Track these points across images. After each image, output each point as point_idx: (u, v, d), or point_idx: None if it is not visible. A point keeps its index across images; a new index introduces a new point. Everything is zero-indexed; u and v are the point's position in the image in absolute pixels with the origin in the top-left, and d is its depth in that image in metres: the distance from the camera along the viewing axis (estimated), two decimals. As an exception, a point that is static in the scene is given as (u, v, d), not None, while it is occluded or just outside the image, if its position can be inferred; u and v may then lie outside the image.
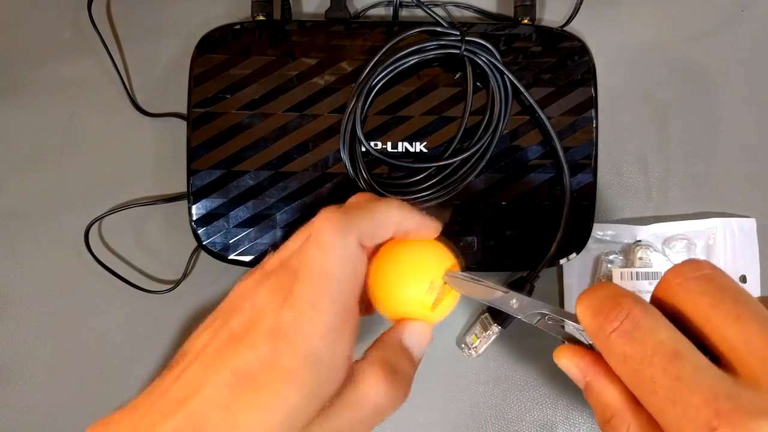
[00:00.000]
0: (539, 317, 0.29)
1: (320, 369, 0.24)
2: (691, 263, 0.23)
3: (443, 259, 0.31)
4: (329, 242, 0.26)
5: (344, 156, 0.41)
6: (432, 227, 0.31)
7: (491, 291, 0.29)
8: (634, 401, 0.23)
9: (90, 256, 0.43)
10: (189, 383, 0.25)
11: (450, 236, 0.41)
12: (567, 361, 0.28)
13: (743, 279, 0.44)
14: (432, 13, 0.42)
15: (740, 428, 0.19)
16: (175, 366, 0.26)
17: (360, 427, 0.26)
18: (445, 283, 0.30)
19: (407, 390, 0.28)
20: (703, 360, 0.21)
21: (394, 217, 0.29)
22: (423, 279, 0.29)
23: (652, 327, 0.22)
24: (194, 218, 0.41)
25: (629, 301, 0.23)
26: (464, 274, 0.30)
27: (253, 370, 0.24)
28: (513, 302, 0.29)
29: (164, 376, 0.26)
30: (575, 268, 0.44)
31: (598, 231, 0.44)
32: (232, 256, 0.42)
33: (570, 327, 0.28)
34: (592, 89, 0.42)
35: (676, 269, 0.23)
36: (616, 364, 0.23)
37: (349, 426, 0.26)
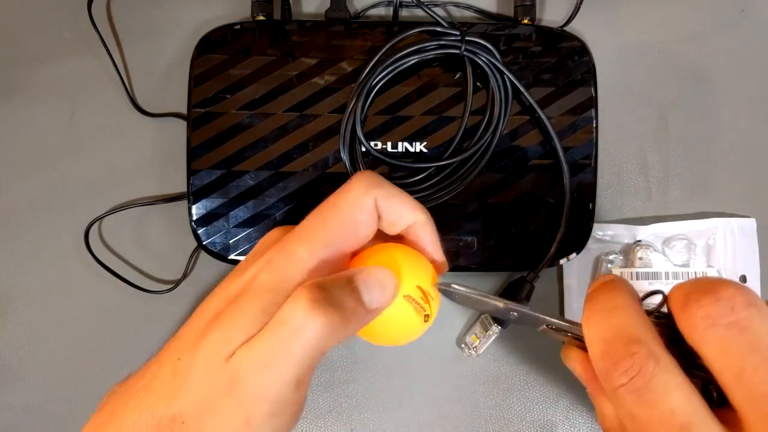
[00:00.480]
0: (543, 326, 0.28)
1: (283, 284, 0.26)
2: (723, 302, 0.20)
3: (419, 266, 0.29)
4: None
5: (344, 156, 0.41)
6: (440, 255, 0.30)
7: (488, 303, 0.29)
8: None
9: (90, 256, 0.43)
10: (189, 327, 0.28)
11: (450, 236, 0.42)
12: (573, 364, 0.27)
13: (743, 279, 0.44)
14: (432, 13, 0.42)
15: None
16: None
17: (279, 352, 0.24)
18: (440, 291, 0.29)
19: (337, 318, 0.24)
20: (713, 427, 0.20)
21: (412, 211, 0.28)
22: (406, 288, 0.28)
23: (665, 390, 0.20)
24: (194, 218, 0.41)
25: (643, 353, 0.21)
26: (460, 286, 0.28)
27: (234, 290, 0.27)
28: (512, 314, 0.29)
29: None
30: (575, 268, 0.44)
31: (598, 231, 0.44)
32: (232, 256, 0.42)
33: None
34: (592, 89, 0.42)
35: (705, 310, 0.20)
36: (622, 415, 0.21)
37: (268, 349, 0.24)
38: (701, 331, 0.20)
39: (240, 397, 0.24)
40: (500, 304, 0.28)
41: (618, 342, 0.21)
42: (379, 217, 0.28)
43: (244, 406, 0.24)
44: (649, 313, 0.23)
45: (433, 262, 0.30)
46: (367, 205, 0.27)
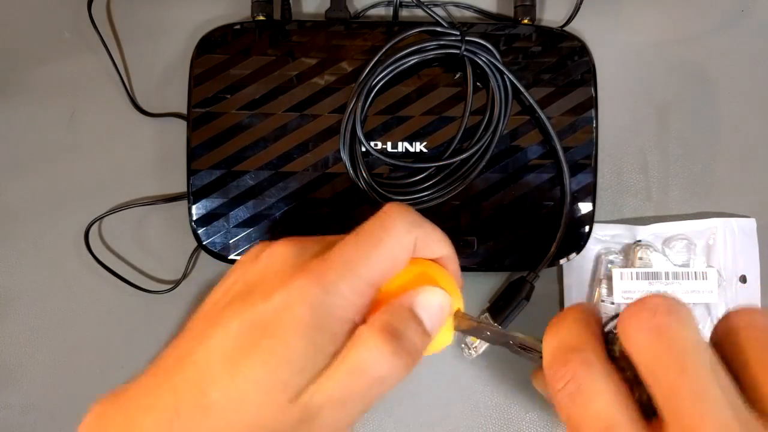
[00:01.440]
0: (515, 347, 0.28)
1: (327, 321, 0.24)
2: (647, 310, 0.21)
3: (451, 282, 0.29)
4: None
5: (344, 156, 0.41)
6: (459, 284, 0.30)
7: (489, 332, 0.28)
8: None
9: (90, 256, 0.43)
10: (195, 338, 0.25)
11: (450, 236, 0.41)
12: (538, 384, 0.28)
13: (743, 279, 0.44)
14: (432, 13, 0.42)
15: None
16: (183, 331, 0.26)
17: (357, 394, 0.24)
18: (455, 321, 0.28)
19: (411, 361, 0.25)
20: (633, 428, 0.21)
21: (444, 246, 0.29)
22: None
23: (593, 393, 0.22)
24: (194, 218, 0.41)
25: (578, 360, 0.22)
26: (469, 316, 0.28)
27: (262, 320, 0.24)
28: (486, 333, 0.28)
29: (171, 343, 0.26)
30: (575, 268, 0.44)
31: (598, 231, 0.44)
32: (232, 256, 0.42)
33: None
34: (592, 89, 0.42)
35: (633, 318, 0.22)
36: (563, 420, 0.23)
37: (346, 391, 0.24)
38: (629, 337, 0.22)
39: (316, 428, 0.24)
40: (473, 323, 0.28)
41: (559, 351, 0.23)
42: None
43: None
44: (607, 332, 0.25)
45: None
46: (409, 245, 0.27)
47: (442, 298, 0.27)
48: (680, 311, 0.22)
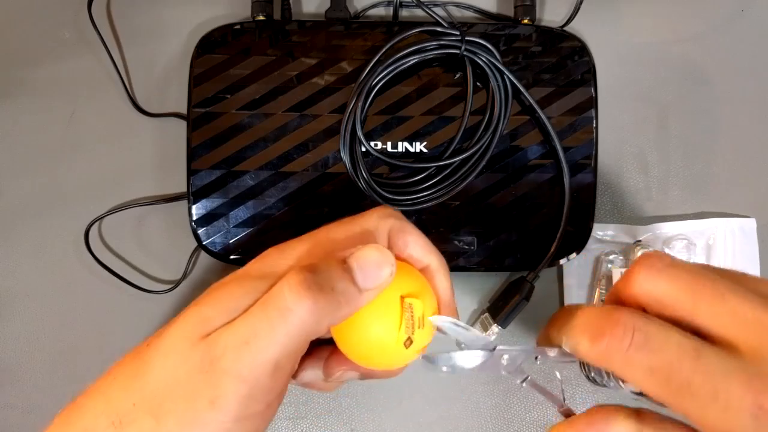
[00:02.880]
0: (526, 376, 0.28)
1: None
2: (655, 254, 0.23)
3: (424, 289, 0.27)
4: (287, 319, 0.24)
5: (344, 156, 0.41)
6: (451, 304, 0.29)
7: (477, 341, 0.28)
8: None
9: (90, 256, 0.43)
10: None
11: (450, 237, 0.42)
12: None
13: (743, 279, 0.44)
14: (432, 13, 0.42)
15: None
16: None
17: (261, 330, 0.23)
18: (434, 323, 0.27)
19: (326, 302, 0.23)
20: (714, 349, 0.21)
21: (426, 255, 0.28)
22: (393, 313, 0.26)
23: (664, 333, 0.22)
24: (194, 218, 0.41)
25: (627, 315, 0.22)
26: (452, 320, 0.28)
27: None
28: (505, 357, 0.28)
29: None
30: (575, 268, 0.44)
31: (598, 231, 0.44)
32: (232, 256, 0.42)
33: (551, 356, 0.27)
34: (592, 89, 0.42)
35: (646, 262, 0.23)
36: (643, 379, 0.22)
37: (249, 329, 0.23)
38: (657, 283, 0.23)
39: (211, 374, 0.23)
40: (487, 347, 0.28)
41: (602, 320, 0.23)
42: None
43: (212, 383, 0.23)
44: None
45: (439, 304, 0.29)
46: (379, 228, 0.27)
47: (380, 255, 0.25)
48: (666, 256, 0.24)
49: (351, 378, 0.29)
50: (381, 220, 0.28)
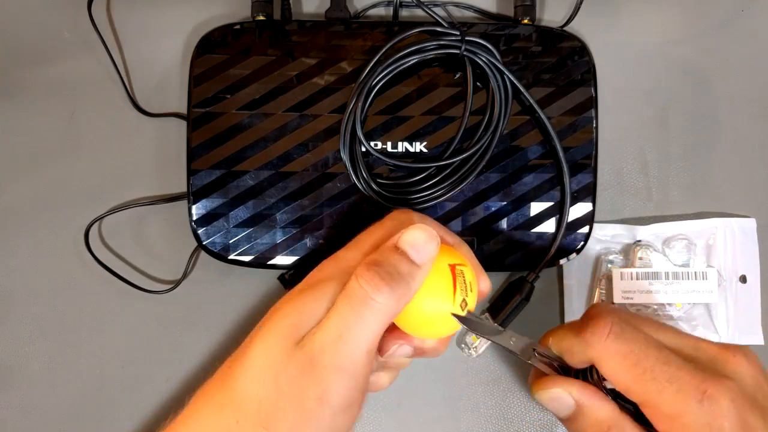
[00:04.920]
0: (532, 352, 0.33)
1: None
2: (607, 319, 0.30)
3: (466, 262, 0.31)
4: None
5: (344, 156, 0.41)
6: (484, 275, 0.33)
7: (487, 328, 0.32)
8: (624, 411, 0.29)
9: (90, 256, 0.43)
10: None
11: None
12: (559, 389, 0.31)
13: (743, 279, 0.44)
14: (432, 13, 0.42)
15: (719, 384, 0.27)
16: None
17: (351, 325, 0.26)
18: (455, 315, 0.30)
19: (398, 285, 0.27)
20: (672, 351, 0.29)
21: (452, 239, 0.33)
22: (448, 292, 0.29)
23: (635, 329, 0.29)
24: (194, 218, 0.41)
25: (606, 311, 0.30)
26: (471, 315, 0.30)
27: None
28: (512, 340, 0.33)
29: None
30: (575, 268, 0.44)
31: (598, 231, 0.44)
32: (232, 256, 0.42)
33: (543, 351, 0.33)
34: (592, 89, 0.42)
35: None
36: (615, 364, 0.28)
37: (340, 324, 0.26)
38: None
39: (313, 373, 0.25)
40: (496, 329, 0.32)
41: (582, 319, 0.32)
42: None
43: (317, 380, 0.25)
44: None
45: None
46: (404, 223, 0.31)
47: (423, 232, 0.28)
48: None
49: (404, 354, 0.32)
50: (404, 215, 0.32)
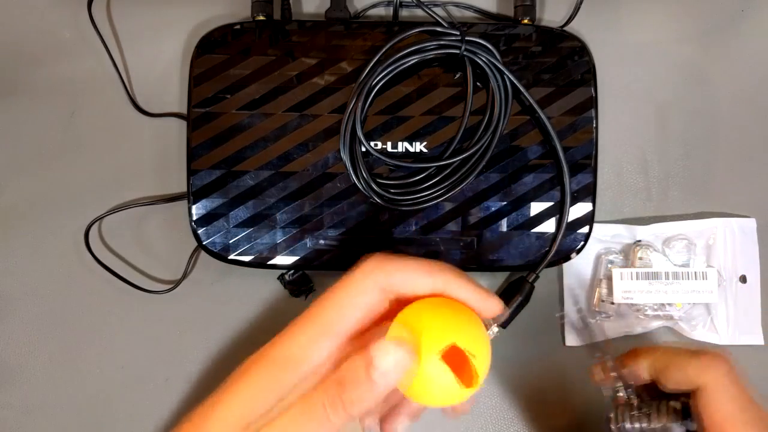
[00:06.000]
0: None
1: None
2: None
3: (455, 322, 0.27)
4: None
5: (344, 156, 0.41)
6: (487, 302, 0.29)
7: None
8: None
9: (90, 256, 0.43)
10: None
11: (450, 236, 0.42)
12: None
13: (743, 279, 0.44)
14: (432, 13, 0.42)
15: None
16: None
17: (303, 429, 0.26)
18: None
19: (356, 410, 0.25)
20: None
21: (427, 277, 0.29)
22: (437, 341, 0.26)
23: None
24: (194, 218, 0.41)
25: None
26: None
27: None
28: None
29: None
30: (575, 268, 0.44)
31: (598, 231, 0.44)
32: (232, 256, 0.42)
33: None
34: (592, 89, 0.42)
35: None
36: (726, 399, 0.31)
37: (291, 427, 0.26)
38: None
39: None
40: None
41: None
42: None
43: None
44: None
45: (480, 312, 0.29)
46: (366, 287, 0.28)
47: (396, 355, 0.26)
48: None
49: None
50: (365, 279, 0.28)
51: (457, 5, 0.46)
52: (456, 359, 0.26)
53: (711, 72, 0.46)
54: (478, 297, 0.29)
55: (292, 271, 0.42)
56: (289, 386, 0.27)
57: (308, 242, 0.41)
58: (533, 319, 0.44)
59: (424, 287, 0.28)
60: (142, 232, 0.45)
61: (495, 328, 0.42)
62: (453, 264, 0.41)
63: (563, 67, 0.42)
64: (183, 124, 0.44)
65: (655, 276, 0.43)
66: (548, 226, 0.42)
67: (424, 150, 0.42)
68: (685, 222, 0.45)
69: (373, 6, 0.46)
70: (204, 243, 0.42)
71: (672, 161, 0.46)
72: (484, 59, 0.41)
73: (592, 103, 0.42)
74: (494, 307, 0.30)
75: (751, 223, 0.45)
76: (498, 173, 0.42)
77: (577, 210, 0.42)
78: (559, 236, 0.41)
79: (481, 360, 0.27)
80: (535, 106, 0.41)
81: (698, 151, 0.46)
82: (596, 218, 0.42)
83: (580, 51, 0.43)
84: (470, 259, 0.42)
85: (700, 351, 0.32)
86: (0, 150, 0.45)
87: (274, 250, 0.41)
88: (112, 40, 0.46)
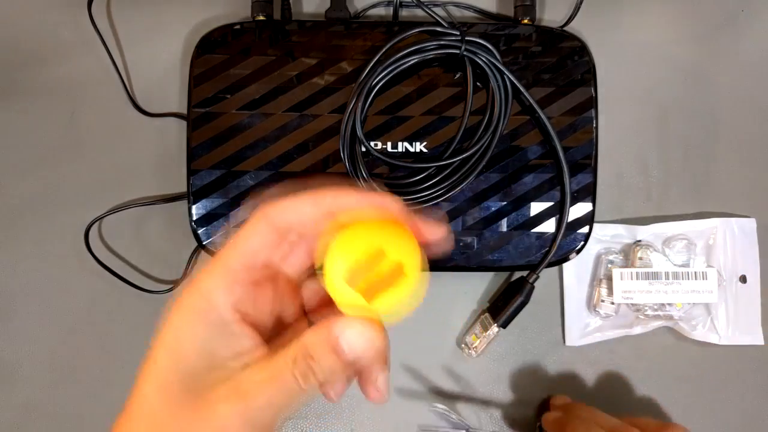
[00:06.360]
0: None
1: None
2: None
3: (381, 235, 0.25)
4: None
5: (344, 156, 0.41)
6: (384, 199, 0.26)
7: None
8: None
9: (90, 256, 0.43)
10: None
11: (451, 237, 0.41)
12: None
13: (743, 279, 0.44)
14: (432, 13, 0.42)
15: None
16: None
17: (274, 400, 0.24)
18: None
19: (328, 382, 0.24)
20: None
21: (312, 206, 0.26)
22: (348, 254, 0.24)
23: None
24: (194, 218, 0.41)
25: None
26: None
27: None
28: None
29: None
30: (575, 268, 0.44)
31: (598, 231, 0.44)
32: (232, 256, 0.41)
33: None
34: (592, 89, 0.42)
35: None
36: None
37: (261, 398, 0.24)
38: None
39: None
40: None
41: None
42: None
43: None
44: None
45: (419, 233, 0.26)
46: (258, 229, 0.27)
47: (366, 335, 0.24)
48: None
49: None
50: (258, 223, 0.27)
51: (457, 5, 0.46)
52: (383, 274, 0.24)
53: (711, 72, 0.46)
54: (369, 200, 0.26)
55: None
56: (205, 336, 0.27)
57: (308, 242, 0.41)
58: (533, 319, 0.44)
59: (314, 214, 0.26)
60: (142, 232, 0.45)
61: (495, 328, 0.43)
62: (453, 264, 0.41)
63: (563, 67, 0.42)
64: (183, 124, 0.44)
65: (655, 276, 0.43)
66: (548, 226, 0.42)
67: (424, 150, 0.42)
68: (685, 222, 0.45)
69: (373, 6, 0.46)
70: (204, 243, 0.42)
71: (672, 161, 0.46)
72: (484, 59, 0.41)
73: (592, 103, 0.42)
74: (390, 202, 0.26)
75: (751, 223, 0.45)
76: (498, 173, 0.42)
77: (577, 210, 0.42)
78: (559, 236, 0.41)
79: (403, 255, 0.24)
80: (535, 106, 0.41)
81: (698, 151, 0.46)
82: (596, 218, 0.42)
83: (580, 51, 0.43)
84: (470, 259, 0.42)
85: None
86: (0, 150, 0.45)
87: (274, 250, 0.41)
88: (112, 40, 0.46)
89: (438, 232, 0.27)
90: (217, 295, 0.27)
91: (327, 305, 0.28)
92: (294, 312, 0.29)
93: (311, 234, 0.27)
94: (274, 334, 0.27)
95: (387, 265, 0.24)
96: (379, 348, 0.24)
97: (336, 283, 0.24)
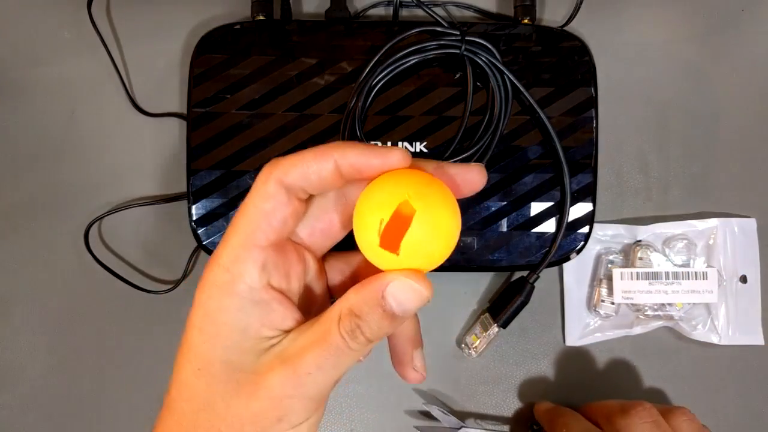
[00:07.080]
0: None
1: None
2: (645, 411, 0.37)
3: (406, 185, 0.24)
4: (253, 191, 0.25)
5: (344, 156, 0.41)
6: (389, 156, 0.25)
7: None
8: None
9: (90, 256, 0.43)
10: None
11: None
12: None
13: (743, 279, 0.44)
14: (432, 13, 0.42)
15: None
16: None
17: (324, 362, 0.23)
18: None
19: (375, 338, 0.24)
20: None
21: (320, 162, 0.25)
22: (373, 212, 0.23)
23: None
24: (194, 218, 0.41)
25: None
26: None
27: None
28: None
29: None
30: (575, 268, 0.44)
31: (598, 231, 0.44)
32: (232, 256, 0.41)
33: None
34: (592, 89, 0.42)
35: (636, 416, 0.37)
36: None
37: (312, 362, 0.23)
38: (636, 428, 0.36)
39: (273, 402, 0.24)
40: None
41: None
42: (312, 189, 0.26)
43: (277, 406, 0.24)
44: None
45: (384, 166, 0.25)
46: (268, 192, 0.25)
47: (414, 289, 0.24)
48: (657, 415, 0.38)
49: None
50: (264, 185, 0.25)
51: (457, 5, 0.46)
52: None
53: (711, 72, 0.46)
54: (373, 153, 0.25)
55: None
56: (235, 307, 0.25)
57: (308, 242, 0.41)
58: (533, 319, 0.44)
59: (321, 171, 0.25)
60: (142, 232, 0.45)
61: (495, 328, 0.43)
62: (453, 264, 0.41)
63: (563, 67, 0.42)
64: (183, 124, 0.44)
65: (656, 276, 0.43)
66: (548, 226, 0.42)
67: (424, 150, 0.42)
68: (685, 222, 0.45)
69: (373, 6, 0.46)
70: (204, 243, 0.42)
71: (672, 161, 0.46)
72: (484, 59, 0.41)
73: (592, 103, 0.42)
74: (477, 174, 0.26)
75: (751, 223, 0.45)
76: (498, 173, 0.42)
77: (577, 210, 0.42)
78: (560, 236, 0.41)
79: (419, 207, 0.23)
80: (535, 106, 0.41)
81: (698, 151, 0.46)
82: (596, 218, 0.42)
83: (580, 51, 0.43)
84: (470, 259, 0.42)
85: (630, 407, 0.37)
86: (0, 150, 0.45)
87: (274, 250, 0.41)
88: (112, 40, 0.46)
89: (468, 172, 0.26)
90: (238, 265, 0.25)
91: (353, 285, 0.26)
92: (321, 290, 0.28)
93: (320, 192, 0.26)
94: (304, 311, 0.26)
95: (417, 216, 0.23)
96: (427, 299, 0.24)
97: (371, 242, 0.23)
